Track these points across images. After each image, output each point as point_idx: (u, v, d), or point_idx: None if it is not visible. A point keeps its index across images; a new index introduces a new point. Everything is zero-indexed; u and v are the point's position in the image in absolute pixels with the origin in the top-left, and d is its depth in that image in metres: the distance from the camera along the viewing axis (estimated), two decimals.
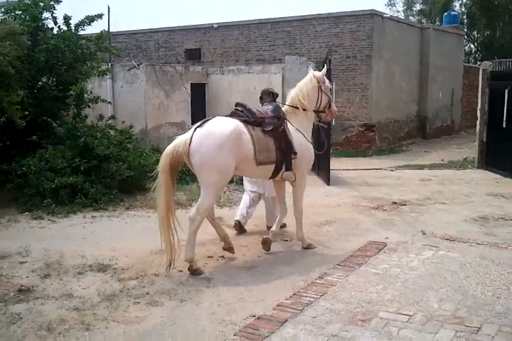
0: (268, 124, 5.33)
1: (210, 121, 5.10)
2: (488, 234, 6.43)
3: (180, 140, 4.99)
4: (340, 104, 14.46)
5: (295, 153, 5.43)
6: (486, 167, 11.67)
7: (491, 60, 31.19)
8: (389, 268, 5.09)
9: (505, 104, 10.70)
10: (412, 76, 17.82)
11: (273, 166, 5.34)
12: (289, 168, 5.42)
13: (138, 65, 11.46)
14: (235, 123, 5.11)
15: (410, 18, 31.92)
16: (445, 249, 5.69)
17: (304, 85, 5.78)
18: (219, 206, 7.70)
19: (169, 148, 5.01)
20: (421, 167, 12.20)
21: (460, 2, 30.93)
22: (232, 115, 5.40)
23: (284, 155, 5.35)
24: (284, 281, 4.81)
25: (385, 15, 15.96)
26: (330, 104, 5.99)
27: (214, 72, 12.42)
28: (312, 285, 4.64)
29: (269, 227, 6.10)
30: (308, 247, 5.79)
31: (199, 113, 12.31)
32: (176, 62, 17.76)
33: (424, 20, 30.52)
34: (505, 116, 10.75)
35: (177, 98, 11.87)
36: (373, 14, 15.05)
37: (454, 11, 23.90)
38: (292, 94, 5.77)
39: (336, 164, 11.31)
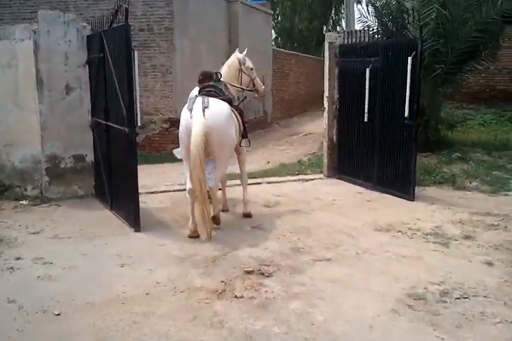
0: (234, 101, 6.11)
1: (211, 102, 5.44)
2: None
3: (199, 120, 5.23)
4: None
5: (246, 123, 6.50)
6: (338, 175, 8.66)
7: (292, 46, 29.81)
8: None
9: (367, 89, 7.70)
10: (221, 58, 14.39)
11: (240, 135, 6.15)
12: (245, 136, 6.21)
13: None
14: (226, 103, 5.66)
15: None
16: None
17: (231, 65, 6.46)
18: None
19: (199, 128, 5.18)
20: (254, 176, 8.58)
21: None
22: (209, 96, 5.63)
23: (243, 125, 6.22)
24: None
25: None
26: (254, 83, 6.69)
27: None
28: None
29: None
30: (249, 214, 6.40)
31: None
32: None
33: None
34: (367, 106, 7.76)
35: None
36: None
37: None
38: (224, 74, 6.31)
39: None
